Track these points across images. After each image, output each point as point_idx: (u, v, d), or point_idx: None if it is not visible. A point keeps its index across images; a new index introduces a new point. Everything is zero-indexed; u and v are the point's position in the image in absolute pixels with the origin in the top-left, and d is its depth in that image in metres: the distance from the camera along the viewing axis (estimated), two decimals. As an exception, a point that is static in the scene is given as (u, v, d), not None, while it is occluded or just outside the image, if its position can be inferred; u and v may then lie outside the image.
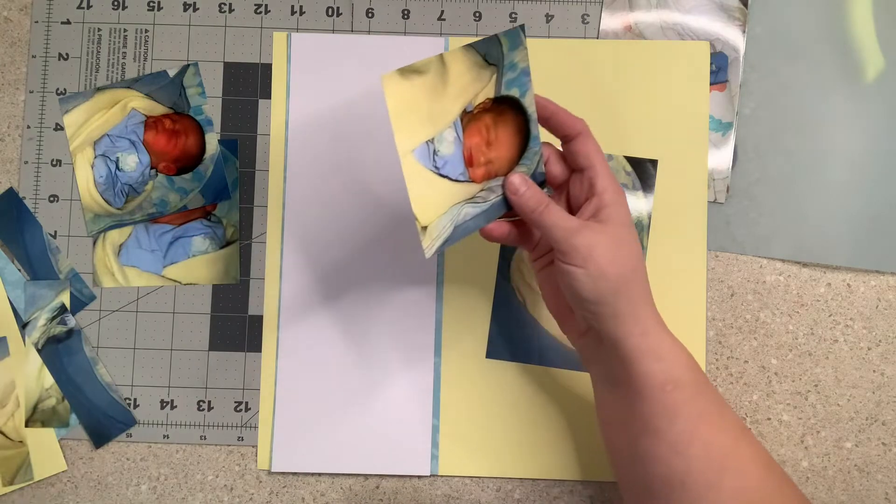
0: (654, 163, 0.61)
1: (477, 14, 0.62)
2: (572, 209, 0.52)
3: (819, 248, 0.61)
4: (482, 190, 0.49)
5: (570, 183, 0.52)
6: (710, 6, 0.62)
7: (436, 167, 0.48)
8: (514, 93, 0.49)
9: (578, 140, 0.51)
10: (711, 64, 0.62)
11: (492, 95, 0.49)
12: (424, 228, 0.48)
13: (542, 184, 0.51)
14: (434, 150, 0.48)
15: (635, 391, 0.49)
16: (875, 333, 0.61)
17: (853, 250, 0.61)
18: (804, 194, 0.61)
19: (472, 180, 0.49)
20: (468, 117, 0.48)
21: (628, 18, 0.62)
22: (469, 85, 0.48)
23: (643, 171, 0.61)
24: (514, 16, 0.62)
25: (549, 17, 0.62)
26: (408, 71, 0.46)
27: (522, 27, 0.48)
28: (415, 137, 0.47)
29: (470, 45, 0.47)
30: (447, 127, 0.48)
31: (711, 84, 0.62)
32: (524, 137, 0.50)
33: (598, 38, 0.62)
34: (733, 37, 0.62)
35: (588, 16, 0.62)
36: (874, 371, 0.61)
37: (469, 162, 0.49)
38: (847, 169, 0.61)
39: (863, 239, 0.61)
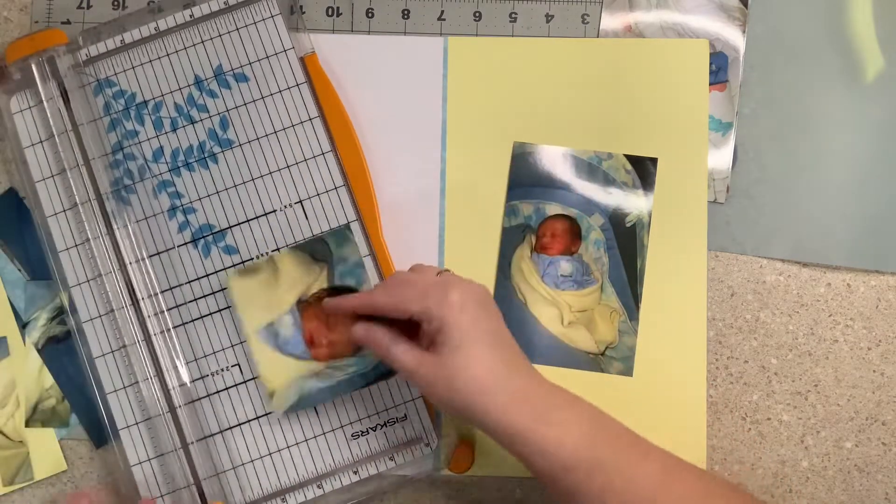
0: (653, 161, 0.61)
1: (477, 14, 0.62)
2: None
3: (819, 248, 0.61)
4: (328, 367, 0.57)
5: None
6: (710, 6, 0.62)
7: (278, 346, 0.57)
8: (350, 282, 0.57)
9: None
10: (711, 64, 0.62)
11: (325, 286, 0.57)
12: (272, 393, 0.57)
13: (390, 373, 0.56)
14: (275, 332, 0.57)
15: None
16: (875, 333, 0.61)
17: (853, 250, 0.61)
18: (804, 194, 0.61)
19: (315, 358, 0.57)
20: (304, 305, 0.57)
21: (628, 18, 0.62)
22: (300, 279, 0.57)
23: (643, 170, 0.61)
24: (514, 16, 0.62)
25: (549, 17, 0.63)
26: (247, 270, 0.58)
27: (348, 225, 0.58)
28: (258, 322, 0.57)
29: (297, 246, 0.58)
30: (284, 313, 0.57)
31: (711, 84, 0.62)
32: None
33: (598, 37, 0.62)
34: (733, 37, 0.62)
35: (588, 16, 0.63)
36: (874, 371, 0.61)
37: (310, 343, 0.57)
38: (847, 169, 0.62)
39: (863, 239, 0.61)
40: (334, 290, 0.57)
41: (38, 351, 0.60)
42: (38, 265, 0.60)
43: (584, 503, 0.48)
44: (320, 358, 0.57)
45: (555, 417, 0.48)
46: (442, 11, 0.63)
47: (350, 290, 0.57)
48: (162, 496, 0.57)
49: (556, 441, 0.47)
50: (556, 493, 0.49)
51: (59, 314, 0.60)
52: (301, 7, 0.62)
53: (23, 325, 0.60)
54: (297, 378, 0.56)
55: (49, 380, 0.59)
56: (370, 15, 0.63)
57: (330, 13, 0.63)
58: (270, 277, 0.57)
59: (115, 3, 0.62)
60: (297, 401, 0.56)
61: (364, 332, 0.52)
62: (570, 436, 0.48)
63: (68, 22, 0.62)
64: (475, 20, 0.63)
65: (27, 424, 0.59)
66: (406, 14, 0.63)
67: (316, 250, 0.58)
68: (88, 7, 0.62)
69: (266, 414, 0.58)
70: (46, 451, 0.59)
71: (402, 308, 0.50)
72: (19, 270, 0.60)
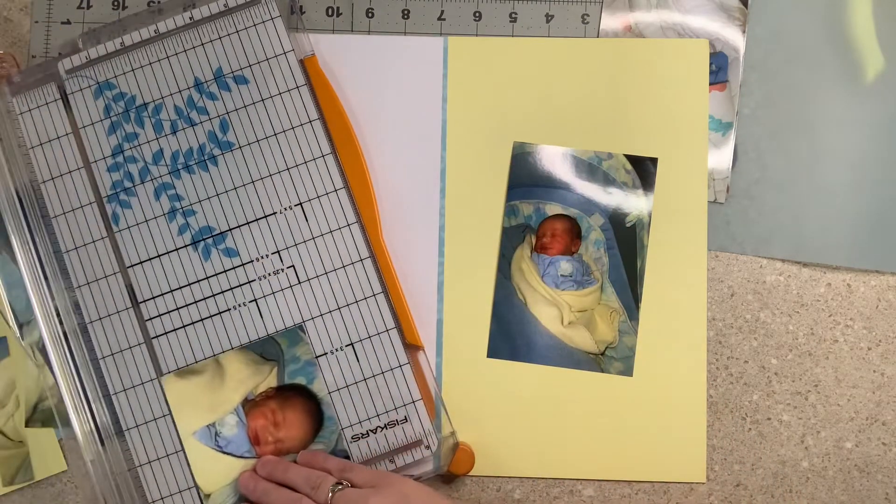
0: (654, 161, 0.61)
1: (477, 14, 0.62)
2: None
3: (819, 248, 0.61)
4: None
5: None
6: (710, 6, 0.62)
7: (218, 446, 0.57)
8: (301, 381, 0.57)
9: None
10: (711, 64, 0.62)
11: (274, 385, 0.57)
12: (208, 496, 0.56)
13: (346, 458, 0.57)
14: (216, 433, 0.57)
15: None
16: (875, 333, 0.61)
17: (853, 250, 0.61)
18: (804, 194, 0.61)
19: (259, 456, 0.57)
20: (251, 404, 0.57)
21: (628, 18, 0.62)
22: (247, 379, 0.57)
23: (643, 170, 0.61)
24: (514, 16, 0.62)
25: (549, 17, 0.63)
26: (188, 371, 0.57)
27: (301, 325, 0.57)
28: (195, 423, 0.57)
29: (246, 346, 0.57)
30: (228, 413, 0.57)
31: (711, 84, 0.62)
32: (317, 418, 0.57)
33: (598, 37, 0.62)
34: (733, 37, 0.62)
35: (588, 16, 0.63)
36: (874, 371, 0.61)
37: (255, 441, 0.57)
38: (847, 169, 0.62)
39: (863, 239, 0.61)
40: (284, 389, 0.57)
41: (38, 351, 0.60)
42: (39, 266, 0.60)
43: None
44: (266, 451, 0.57)
45: None
46: (442, 11, 0.63)
47: (301, 388, 0.57)
48: (163, 498, 0.57)
49: None
50: None
51: (60, 314, 0.60)
52: (301, 7, 0.62)
53: (22, 325, 0.60)
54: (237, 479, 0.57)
55: (49, 380, 0.59)
56: (370, 15, 0.63)
57: (330, 13, 0.63)
58: (214, 378, 0.57)
59: (115, 3, 0.63)
60: (237, 500, 0.56)
61: (251, 482, 0.55)
62: None
63: (68, 22, 0.62)
64: (475, 20, 0.63)
65: (27, 424, 0.59)
66: (406, 14, 0.63)
67: (266, 350, 0.58)
68: (88, 7, 0.62)
69: None
70: (46, 451, 0.59)
71: None
72: (19, 270, 0.60)
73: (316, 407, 0.57)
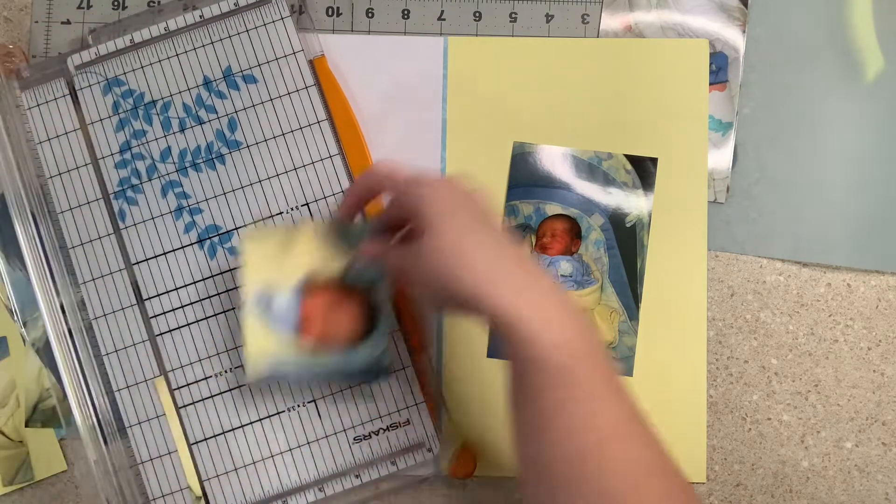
0: (654, 161, 0.61)
1: (477, 14, 0.62)
2: None
3: (819, 248, 0.61)
4: (312, 355, 0.55)
5: None
6: (710, 6, 0.62)
7: (268, 319, 0.55)
8: (364, 283, 0.55)
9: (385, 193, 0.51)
10: (711, 64, 0.62)
11: (342, 275, 0.55)
12: (246, 362, 0.54)
13: (384, 369, 0.55)
14: (269, 304, 0.55)
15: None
16: (875, 333, 0.61)
17: (853, 250, 0.61)
18: (804, 194, 0.61)
19: (304, 339, 0.55)
20: (311, 286, 0.55)
21: (628, 18, 0.62)
22: (322, 258, 0.55)
23: (643, 170, 0.61)
24: (514, 16, 0.62)
25: (549, 17, 0.63)
26: (260, 235, 0.55)
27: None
28: (259, 280, 0.55)
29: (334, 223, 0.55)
30: (287, 287, 0.55)
31: (711, 84, 0.62)
32: (369, 322, 0.55)
33: (598, 37, 0.62)
34: (733, 37, 0.62)
35: (588, 16, 0.63)
36: (874, 371, 0.61)
37: (305, 320, 0.55)
38: (847, 169, 0.62)
39: (863, 239, 0.61)
40: (347, 282, 0.55)
41: (38, 351, 0.60)
42: (45, 261, 0.60)
43: (535, 404, 0.44)
44: (309, 339, 0.55)
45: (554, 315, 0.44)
46: (442, 11, 0.63)
47: (364, 288, 0.55)
48: (164, 496, 0.57)
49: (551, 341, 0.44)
50: (515, 380, 0.45)
51: (65, 310, 0.59)
52: (301, 7, 0.62)
53: (23, 325, 0.60)
54: (276, 354, 0.55)
55: (49, 380, 0.59)
56: (370, 15, 0.63)
57: (330, 13, 0.63)
58: (286, 242, 0.55)
59: (115, 3, 0.63)
60: (269, 376, 0.55)
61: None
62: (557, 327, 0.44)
63: (68, 22, 0.62)
64: (475, 20, 0.63)
65: (27, 424, 0.59)
66: (406, 14, 0.63)
67: (350, 241, 0.55)
68: (88, 7, 0.63)
69: (270, 416, 0.58)
70: (46, 451, 0.59)
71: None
72: (19, 270, 0.60)
73: (371, 312, 0.55)
